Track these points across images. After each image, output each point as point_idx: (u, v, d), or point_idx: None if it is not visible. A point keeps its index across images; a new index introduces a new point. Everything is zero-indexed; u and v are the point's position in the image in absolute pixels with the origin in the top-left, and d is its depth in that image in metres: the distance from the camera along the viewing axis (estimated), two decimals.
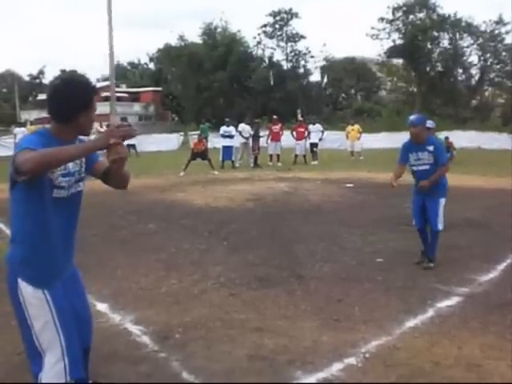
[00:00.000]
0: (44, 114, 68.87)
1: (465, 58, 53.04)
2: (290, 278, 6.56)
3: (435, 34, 51.86)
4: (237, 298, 5.91)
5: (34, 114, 56.27)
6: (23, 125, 32.48)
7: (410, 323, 5.16)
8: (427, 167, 6.90)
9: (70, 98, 2.89)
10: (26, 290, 2.95)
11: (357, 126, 25.80)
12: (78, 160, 3.04)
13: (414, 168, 7.05)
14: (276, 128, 22.77)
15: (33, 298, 2.95)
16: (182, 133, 37.86)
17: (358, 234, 9.02)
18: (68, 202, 3.05)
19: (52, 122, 3.01)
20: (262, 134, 23.03)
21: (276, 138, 22.44)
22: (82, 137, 3.14)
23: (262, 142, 22.96)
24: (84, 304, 3.32)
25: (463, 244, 8.19)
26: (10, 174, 2.80)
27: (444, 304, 5.66)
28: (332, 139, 32.21)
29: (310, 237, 8.84)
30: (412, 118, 6.99)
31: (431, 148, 6.83)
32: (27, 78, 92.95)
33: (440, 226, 6.93)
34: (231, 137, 21.72)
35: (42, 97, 79.00)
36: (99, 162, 3.17)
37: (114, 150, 2.74)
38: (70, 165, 2.98)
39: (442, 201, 6.97)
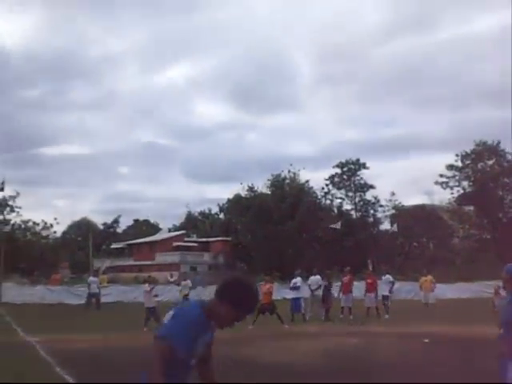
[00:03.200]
0: (117, 263, 70.78)
1: None
2: None
3: (506, 180, 51.55)
4: None
5: (106, 263, 57.73)
6: (97, 274, 32.57)
7: None
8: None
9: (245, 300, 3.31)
10: None
11: (430, 277, 25.17)
12: None
13: None
14: (346, 279, 22.39)
15: None
16: None
17: None
18: None
19: (218, 304, 3.28)
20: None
21: (346, 289, 21.98)
22: None
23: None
24: None
25: None
26: None
27: None
28: (406, 290, 31.59)
29: None
30: (509, 264, 6.51)
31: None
32: (102, 227, 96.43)
33: None
34: (297, 288, 21.47)
35: (116, 245, 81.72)
36: None
37: None
38: None
39: None
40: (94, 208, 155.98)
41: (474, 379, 9.27)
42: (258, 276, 37.68)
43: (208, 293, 31.10)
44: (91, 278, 29.16)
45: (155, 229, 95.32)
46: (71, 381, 9.56)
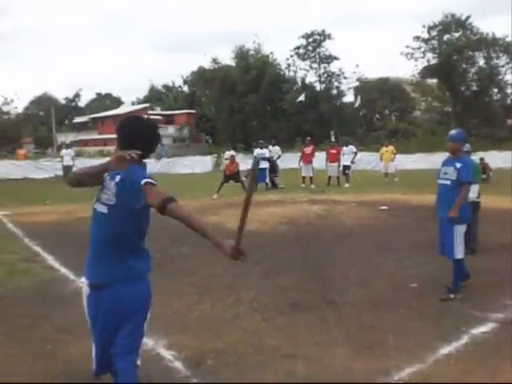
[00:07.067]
0: (80, 137, 70.29)
1: (500, 77, 52.44)
2: (323, 304, 6.53)
3: (470, 53, 51.39)
4: (269, 323, 5.91)
5: (70, 137, 57.13)
6: (70, 146, 30.37)
7: (444, 350, 5.10)
8: (448, 182, 6.75)
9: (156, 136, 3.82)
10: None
11: (391, 148, 25.56)
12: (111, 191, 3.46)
13: (438, 181, 6.97)
14: (308, 150, 22.74)
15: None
16: (215, 155, 38.02)
17: (392, 258, 8.93)
18: (99, 216, 3.49)
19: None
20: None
21: (307, 160, 22.36)
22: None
23: None
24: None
25: (498, 268, 8.05)
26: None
27: (478, 330, 5.58)
28: (366, 160, 32.20)
29: (343, 261, 8.81)
30: (452, 132, 6.93)
31: (458, 165, 6.65)
32: (63, 101, 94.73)
33: (458, 255, 6.64)
34: (265, 159, 21.68)
35: (78, 119, 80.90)
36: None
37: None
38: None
39: (460, 228, 6.64)
40: (54, 83, 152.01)
41: (422, 240, 9.89)
42: (223, 148, 37.93)
43: (172, 165, 31.62)
44: (64, 151, 27.76)
45: (118, 102, 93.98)
46: (39, 249, 9.88)
